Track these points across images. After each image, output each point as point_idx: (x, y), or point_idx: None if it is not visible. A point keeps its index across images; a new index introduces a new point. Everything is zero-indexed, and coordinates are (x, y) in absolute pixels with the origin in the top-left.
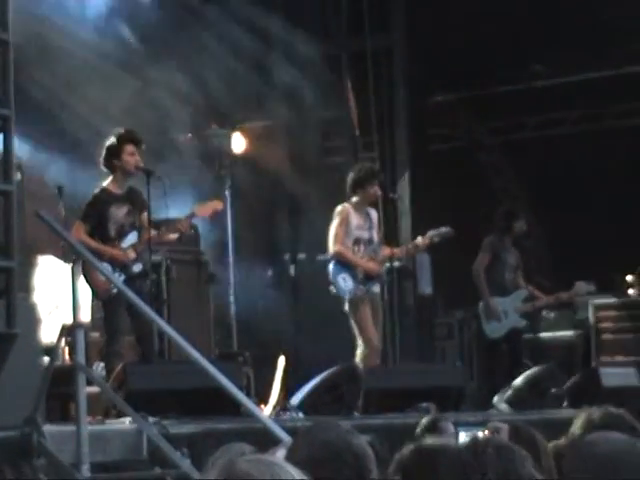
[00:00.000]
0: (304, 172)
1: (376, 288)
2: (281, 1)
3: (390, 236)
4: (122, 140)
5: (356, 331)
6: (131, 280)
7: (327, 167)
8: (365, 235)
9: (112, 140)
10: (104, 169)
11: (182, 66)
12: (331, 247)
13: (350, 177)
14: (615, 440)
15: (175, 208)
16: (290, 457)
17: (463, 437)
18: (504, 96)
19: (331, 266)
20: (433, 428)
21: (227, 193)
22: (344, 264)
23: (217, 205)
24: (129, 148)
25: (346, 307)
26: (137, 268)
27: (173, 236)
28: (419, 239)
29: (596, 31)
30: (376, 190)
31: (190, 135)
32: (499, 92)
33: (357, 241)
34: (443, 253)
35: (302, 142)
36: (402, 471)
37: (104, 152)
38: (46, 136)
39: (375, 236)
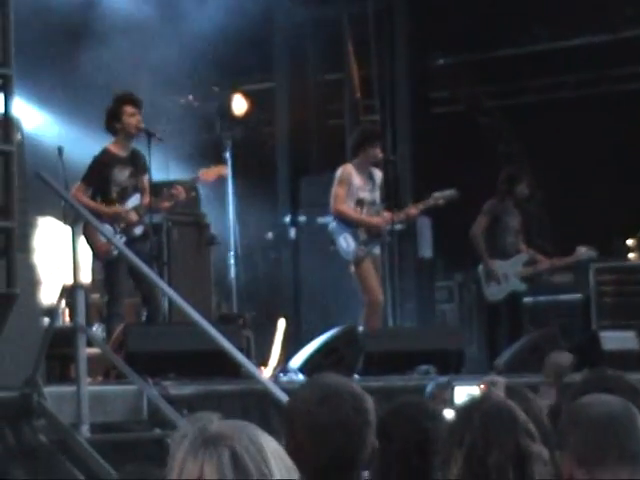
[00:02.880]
0: (305, 135)
1: (377, 250)
2: None
3: (390, 198)
4: (122, 102)
5: (360, 289)
6: (132, 242)
7: (328, 130)
8: (368, 196)
9: (112, 103)
10: (108, 132)
11: (182, 27)
12: (332, 207)
13: (352, 139)
14: (609, 402)
15: (175, 170)
16: (295, 398)
17: (459, 392)
18: (506, 59)
19: (333, 226)
20: (431, 396)
21: (227, 155)
22: (346, 224)
23: (222, 170)
24: (129, 109)
25: (352, 268)
26: (139, 231)
27: (169, 203)
28: (421, 203)
29: None
30: (377, 152)
31: (191, 97)
32: (501, 55)
33: (360, 202)
34: (444, 216)
35: (303, 104)
36: (381, 427)
37: (105, 115)
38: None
39: (378, 198)
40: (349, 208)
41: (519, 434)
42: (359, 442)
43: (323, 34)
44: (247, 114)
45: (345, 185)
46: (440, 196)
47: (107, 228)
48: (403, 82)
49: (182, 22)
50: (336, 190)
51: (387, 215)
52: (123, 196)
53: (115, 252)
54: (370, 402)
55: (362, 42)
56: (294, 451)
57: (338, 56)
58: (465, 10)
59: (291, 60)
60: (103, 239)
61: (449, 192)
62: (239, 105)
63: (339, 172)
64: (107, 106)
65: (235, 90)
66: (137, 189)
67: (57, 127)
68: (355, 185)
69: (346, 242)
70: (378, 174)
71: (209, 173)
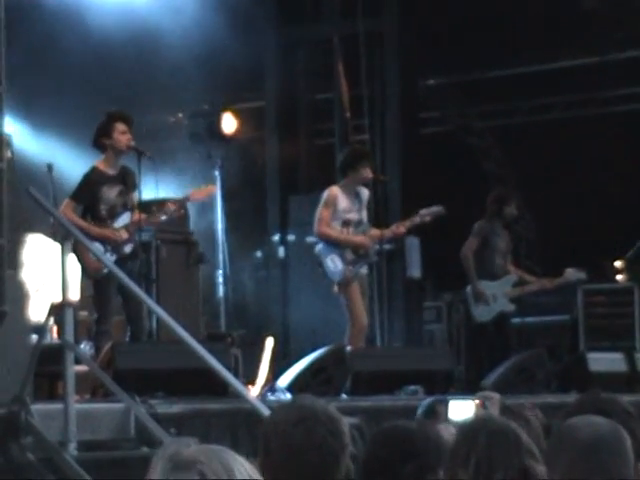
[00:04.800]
0: (294, 154)
1: (364, 269)
2: None
3: (379, 219)
4: (113, 118)
5: (346, 311)
6: (122, 261)
7: (318, 149)
8: (354, 217)
9: (103, 119)
10: (95, 149)
11: (173, 46)
12: (316, 229)
13: (340, 159)
14: (596, 424)
15: (165, 188)
16: (272, 418)
17: (454, 408)
18: (495, 81)
19: (319, 247)
20: (432, 412)
21: (217, 173)
22: (332, 245)
23: (211, 190)
24: (120, 127)
25: (335, 288)
26: (128, 249)
27: (162, 217)
28: (408, 220)
29: (588, 18)
30: (367, 172)
31: (181, 115)
32: (490, 76)
33: (346, 223)
34: (432, 237)
35: (293, 123)
36: (373, 448)
37: (95, 131)
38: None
39: (365, 217)
40: (332, 229)
41: (523, 455)
42: (334, 464)
43: (313, 54)
44: (237, 133)
45: (330, 207)
46: (426, 213)
47: (97, 246)
48: (393, 102)
49: (172, 41)
50: (321, 212)
51: (375, 233)
52: (112, 214)
53: (105, 270)
54: (346, 424)
55: (352, 62)
56: (269, 470)
57: (328, 76)
58: (455, 32)
59: (281, 79)
60: (93, 257)
61: (435, 208)
62: (229, 124)
63: (325, 194)
64: (98, 122)
65: (225, 109)
66: (126, 207)
67: (47, 144)
68: (341, 207)
69: (333, 263)
70: (365, 192)
71: (199, 192)
